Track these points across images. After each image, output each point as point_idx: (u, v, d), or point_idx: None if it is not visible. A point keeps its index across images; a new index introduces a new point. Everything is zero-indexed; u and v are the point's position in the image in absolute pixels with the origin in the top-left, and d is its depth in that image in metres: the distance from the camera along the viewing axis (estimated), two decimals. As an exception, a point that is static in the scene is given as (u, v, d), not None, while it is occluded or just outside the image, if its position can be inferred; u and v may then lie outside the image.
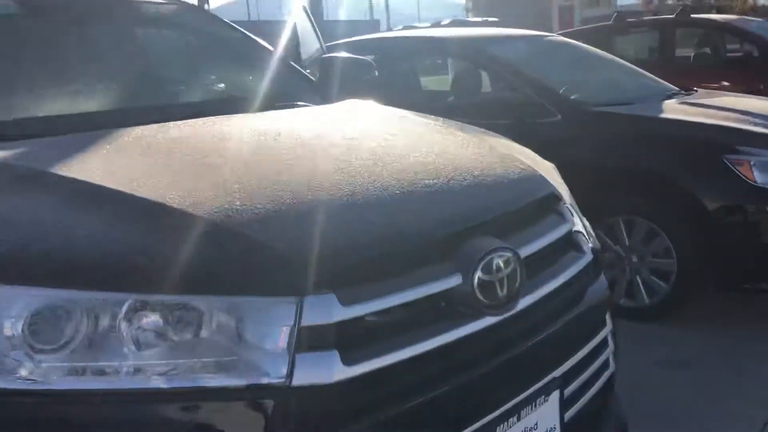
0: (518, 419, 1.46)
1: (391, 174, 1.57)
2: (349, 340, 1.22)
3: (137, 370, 1.13)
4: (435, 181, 1.58)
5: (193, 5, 3.07)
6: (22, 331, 1.12)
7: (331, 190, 1.46)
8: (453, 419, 1.35)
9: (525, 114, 3.68)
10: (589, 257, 1.76)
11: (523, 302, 1.49)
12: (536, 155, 2.09)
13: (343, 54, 3.30)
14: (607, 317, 1.82)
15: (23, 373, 1.12)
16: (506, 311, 1.45)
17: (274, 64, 2.84)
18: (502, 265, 1.43)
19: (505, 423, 1.42)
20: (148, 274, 1.17)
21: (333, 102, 2.58)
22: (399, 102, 2.75)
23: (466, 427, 1.35)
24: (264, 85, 2.74)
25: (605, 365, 1.81)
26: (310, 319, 1.19)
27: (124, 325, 1.14)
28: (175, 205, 1.30)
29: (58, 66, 2.21)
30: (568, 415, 1.61)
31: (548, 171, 1.94)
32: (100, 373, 1.13)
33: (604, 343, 1.79)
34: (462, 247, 1.42)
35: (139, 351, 1.14)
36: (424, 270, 1.36)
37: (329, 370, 1.18)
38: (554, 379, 1.55)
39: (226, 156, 1.70)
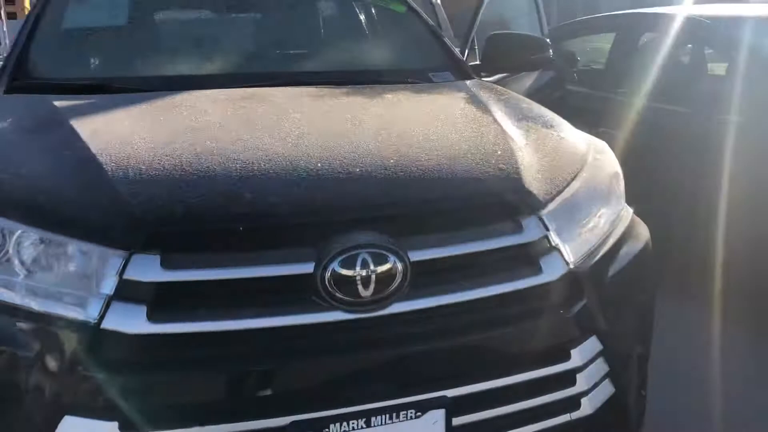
0: (367, 425, 1.40)
1: (323, 153, 1.57)
2: (165, 300, 1.32)
3: (6, 283, 1.38)
4: (359, 168, 1.53)
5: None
6: None
7: (251, 157, 1.54)
8: (270, 403, 1.36)
9: None
10: (545, 278, 1.54)
11: (400, 306, 1.41)
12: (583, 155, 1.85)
13: (513, 32, 3.23)
14: (576, 352, 1.58)
15: None
16: (368, 311, 1.39)
17: (425, 40, 2.87)
18: (371, 262, 1.37)
19: (343, 423, 1.38)
20: (42, 211, 1.42)
21: (475, 78, 2.59)
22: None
23: (284, 415, 1.35)
24: (401, 60, 2.83)
25: (561, 405, 1.59)
26: (131, 273, 1.32)
27: (12, 249, 1.41)
28: (98, 156, 1.53)
29: (183, 34, 2.60)
30: None
31: (547, 173, 1.68)
32: None
33: (558, 379, 1.57)
34: (329, 237, 1.39)
35: (18, 271, 1.40)
36: (275, 252, 1.38)
37: (134, 322, 1.30)
38: (434, 399, 1.43)
39: (220, 120, 1.84)
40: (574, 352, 1.58)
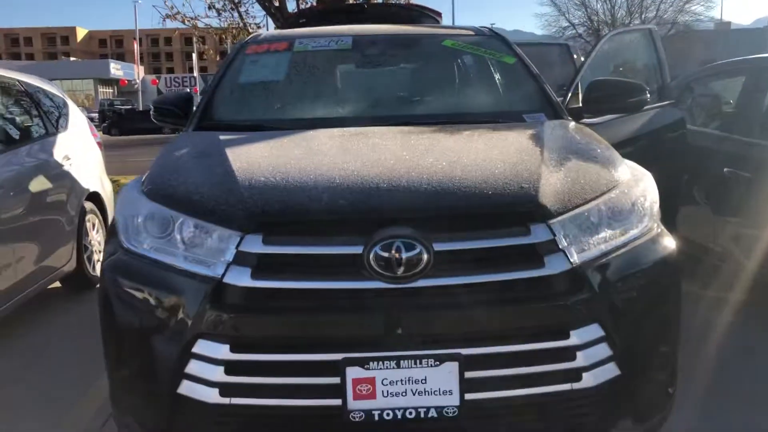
0: (397, 366, 1.93)
1: (384, 172, 2.14)
2: (263, 265, 1.97)
3: (172, 254, 2.11)
4: (405, 183, 2.07)
5: (489, 33, 3.75)
6: (144, 224, 2.21)
7: (336, 173, 2.15)
8: (329, 342, 1.94)
9: None
10: (547, 271, 1.97)
11: (425, 282, 1.93)
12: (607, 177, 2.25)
13: (612, 78, 3.60)
14: (576, 333, 1.98)
15: (143, 245, 2.21)
16: (399, 283, 1.93)
17: (526, 85, 3.37)
18: (403, 248, 1.92)
19: (380, 362, 1.92)
20: (196, 206, 2.14)
21: (567, 118, 3.06)
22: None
23: (338, 352, 1.92)
24: (498, 103, 3.36)
25: (563, 374, 1.99)
26: (243, 247, 1.99)
27: (176, 231, 2.14)
28: (235, 171, 2.22)
29: (343, 87, 3.34)
30: (472, 395, 1.95)
31: (561, 192, 2.11)
32: (163, 251, 2.15)
33: (558, 353, 1.99)
34: (375, 229, 1.96)
35: (179, 245, 2.12)
36: (338, 237, 1.98)
37: (243, 278, 1.96)
38: (450, 354, 1.93)
39: (326, 149, 2.50)
40: (574, 333, 1.99)
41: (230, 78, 3.43)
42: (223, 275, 1.99)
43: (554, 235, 2.02)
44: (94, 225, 5.29)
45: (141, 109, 41.41)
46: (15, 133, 4.56)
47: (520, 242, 2.00)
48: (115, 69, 65.21)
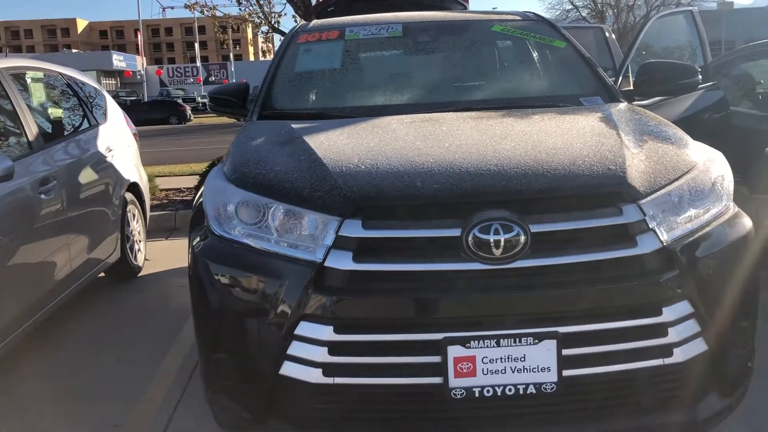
0: (497, 345, 1.99)
1: (472, 156, 2.20)
2: (364, 249, 2.02)
3: (265, 239, 2.17)
4: (495, 166, 2.13)
5: (535, 18, 3.78)
6: (235, 211, 2.27)
7: (423, 158, 2.20)
8: (430, 322, 2.00)
9: None
10: (640, 250, 2.03)
11: (522, 263, 1.99)
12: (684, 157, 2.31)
13: (663, 60, 3.63)
14: (668, 310, 2.04)
15: (234, 231, 2.27)
16: (497, 264, 1.98)
17: (580, 69, 3.41)
18: (501, 230, 1.98)
19: (480, 341, 1.98)
20: (288, 193, 2.19)
21: (623, 101, 3.09)
22: None
23: (439, 332, 1.98)
24: (555, 87, 3.40)
25: (656, 350, 2.05)
26: (343, 232, 2.04)
27: (269, 217, 2.20)
28: (324, 159, 2.28)
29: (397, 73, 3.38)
30: (569, 371, 2.01)
31: (650, 173, 2.17)
32: (255, 237, 2.20)
33: (650, 329, 2.05)
34: (472, 212, 2.01)
35: (272, 231, 2.18)
36: (436, 221, 2.03)
37: (344, 262, 2.02)
38: (548, 332, 1.99)
39: (404, 135, 2.55)
40: (665, 310, 2.05)
41: (286, 67, 3.47)
42: (324, 259, 2.05)
43: (644, 215, 2.07)
44: (134, 215, 5.35)
45: (146, 100, 41.35)
46: (64, 126, 4.61)
47: (612, 222, 2.05)
48: (118, 60, 65.08)
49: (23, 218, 3.50)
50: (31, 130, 3.88)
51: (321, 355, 2.03)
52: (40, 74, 4.61)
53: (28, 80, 4.38)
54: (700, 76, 3.40)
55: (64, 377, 3.46)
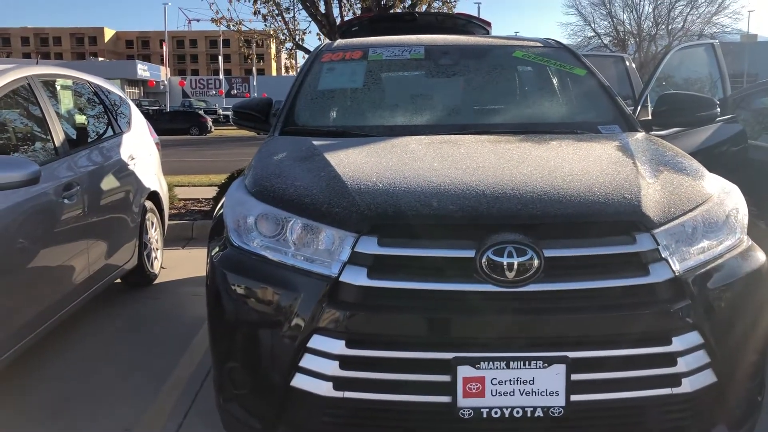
0: (507, 366, 2.01)
1: (488, 179, 2.23)
2: (378, 265, 2.06)
3: (282, 252, 2.21)
4: (511, 190, 2.16)
5: (557, 45, 3.83)
6: (255, 223, 2.32)
7: (440, 179, 2.24)
8: (441, 341, 2.03)
9: None
10: (652, 279, 2.05)
11: (535, 287, 2.01)
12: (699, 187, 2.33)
13: (682, 92, 3.66)
14: (677, 339, 2.06)
15: (253, 243, 2.32)
16: (510, 287, 2.01)
17: (599, 98, 3.44)
18: (514, 253, 2.00)
19: (490, 362, 2.00)
20: (307, 208, 2.24)
21: (641, 131, 3.12)
22: None
23: (449, 351, 2.00)
24: (573, 114, 3.43)
25: (664, 379, 2.06)
26: (359, 248, 2.08)
27: (288, 231, 2.24)
28: (342, 176, 2.32)
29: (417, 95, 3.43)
30: (577, 396, 2.02)
31: (664, 203, 2.19)
32: (273, 249, 2.25)
33: (660, 358, 2.06)
34: (487, 234, 2.04)
35: (290, 244, 2.22)
36: (450, 241, 2.07)
37: (359, 278, 2.05)
38: (558, 356, 2.00)
39: (422, 156, 2.59)
40: (675, 340, 2.06)
41: (309, 85, 3.54)
42: (339, 274, 2.08)
43: (658, 244, 2.09)
44: (152, 223, 5.42)
45: (168, 110, 41.84)
46: (89, 133, 4.70)
47: (625, 250, 2.08)
48: (142, 70, 65.95)
49: (46, 222, 3.58)
50: (58, 135, 3.97)
51: (332, 368, 2.06)
52: (69, 82, 4.71)
53: (57, 87, 4.48)
54: (719, 109, 3.42)
55: (76, 380, 3.51)
